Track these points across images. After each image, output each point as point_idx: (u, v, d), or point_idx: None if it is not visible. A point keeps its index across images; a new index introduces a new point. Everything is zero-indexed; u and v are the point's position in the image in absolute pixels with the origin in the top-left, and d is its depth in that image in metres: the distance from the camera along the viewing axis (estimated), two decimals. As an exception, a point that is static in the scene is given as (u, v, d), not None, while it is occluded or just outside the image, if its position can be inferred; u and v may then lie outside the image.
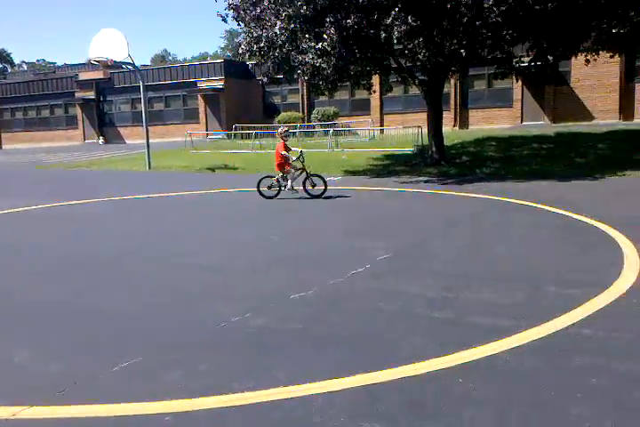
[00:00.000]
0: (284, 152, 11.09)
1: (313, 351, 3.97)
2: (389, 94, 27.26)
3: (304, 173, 11.19)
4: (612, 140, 17.32)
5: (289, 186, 11.16)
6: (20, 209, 11.28)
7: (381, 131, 25.85)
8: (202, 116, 32.82)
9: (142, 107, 19.87)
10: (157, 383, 3.54)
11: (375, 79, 18.27)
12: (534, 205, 9.27)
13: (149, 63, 66.08)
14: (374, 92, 18.11)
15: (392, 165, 16.28)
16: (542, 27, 13.05)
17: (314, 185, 11.10)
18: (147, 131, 19.61)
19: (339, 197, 11.30)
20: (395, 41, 12.53)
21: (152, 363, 3.84)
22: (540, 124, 24.35)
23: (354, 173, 15.32)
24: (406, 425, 2.96)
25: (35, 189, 15.46)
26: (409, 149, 19.14)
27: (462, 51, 13.67)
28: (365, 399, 3.25)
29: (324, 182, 11.06)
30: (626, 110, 24.06)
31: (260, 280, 5.77)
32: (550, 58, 15.13)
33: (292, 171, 11.17)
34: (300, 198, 11.18)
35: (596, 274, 5.43)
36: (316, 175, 11.26)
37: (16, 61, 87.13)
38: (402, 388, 3.37)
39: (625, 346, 3.81)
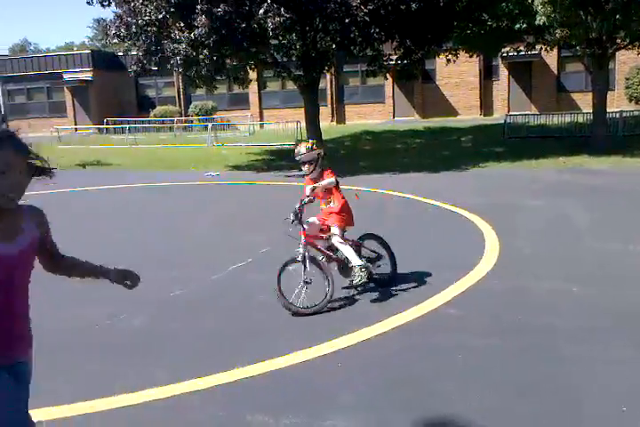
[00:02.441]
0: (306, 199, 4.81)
1: (188, 348, 3.95)
2: (268, 89, 27.41)
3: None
4: (474, 135, 18.69)
5: (356, 279, 4.77)
6: None
7: (261, 126, 25.89)
8: (69, 109, 30.84)
9: (0, 100, 18.32)
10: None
11: (253, 74, 18.24)
12: (404, 195, 9.81)
13: (7, 53, 60.83)
14: (247, 87, 18.06)
15: (273, 160, 16.40)
16: (407, 26, 13.78)
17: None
18: (7, 125, 18.13)
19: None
20: (270, 33, 12.59)
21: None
22: (411, 120, 25.66)
23: (235, 167, 15.25)
24: (286, 415, 3.05)
25: None
26: (289, 144, 19.36)
27: (334, 47, 14.08)
28: (243, 394, 3.30)
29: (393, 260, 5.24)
30: (486, 106, 26.05)
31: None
32: (416, 56, 15.98)
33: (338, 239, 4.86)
34: None
35: (460, 258, 5.88)
36: (374, 236, 5.31)
37: None
38: (277, 379, 3.46)
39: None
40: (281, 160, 16.07)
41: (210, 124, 22.51)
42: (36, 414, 3.05)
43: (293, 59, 15.55)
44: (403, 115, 26.72)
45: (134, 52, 14.96)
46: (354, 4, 12.42)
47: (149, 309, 4.72)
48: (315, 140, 5.34)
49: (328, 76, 25.69)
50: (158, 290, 5.17)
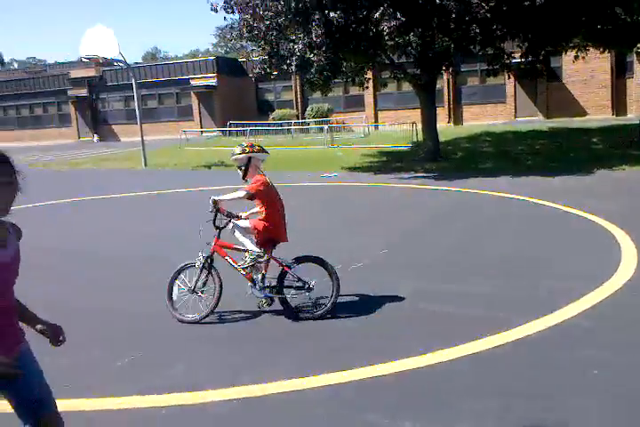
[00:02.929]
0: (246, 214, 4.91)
1: (309, 346, 4.02)
2: (383, 91, 27.33)
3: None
4: (604, 136, 17.43)
5: (241, 262, 4.72)
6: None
7: (376, 127, 25.90)
8: (195, 113, 32.74)
9: (135, 104, 19.82)
10: (156, 378, 3.58)
11: (369, 75, 18.30)
12: (530, 199, 9.35)
13: (140, 61, 65.79)
14: (367, 88, 18.14)
15: (388, 162, 16.33)
16: (531, 23, 13.12)
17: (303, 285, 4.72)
18: (141, 128, 19.58)
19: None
20: (385, 36, 12.58)
21: (153, 357, 3.88)
22: (534, 120, 24.45)
23: (350, 169, 15.37)
24: (408, 418, 3.02)
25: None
26: (404, 146, 19.21)
27: (452, 46, 13.75)
28: (366, 393, 3.30)
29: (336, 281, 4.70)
30: (618, 106, 24.20)
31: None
32: (541, 54, 15.19)
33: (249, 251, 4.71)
34: None
35: (593, 268, 5.50)
36: (313, 258, 4.83)
37: (6, 59, 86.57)
38: (402, 381, 3.43)
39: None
40: (396, 162, 15.98)
41: (325, 127, 22.88)
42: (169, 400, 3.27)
43: (410, 59, 15.39)
44: (525, 115, 25.52)
45: (255, 57, 15.57)
46: (474, 2, 12.06)
47: (270, 307, 4.87)
48: (256, 143, 5.09)
49: (445, 75, 25.16)
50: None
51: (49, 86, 37.59)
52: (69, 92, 36.39)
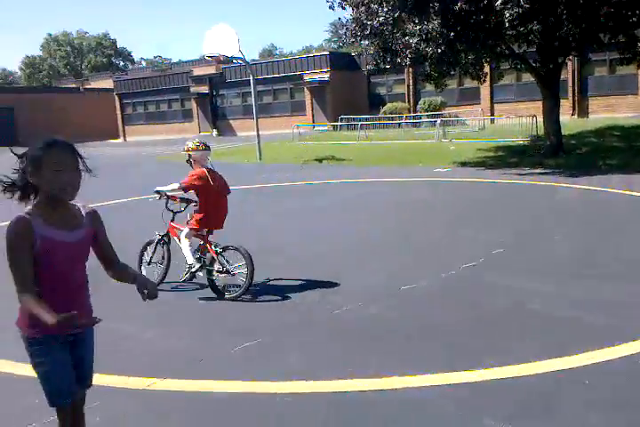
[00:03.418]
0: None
1: (422, 343, 3.95)
2: (500, 82, 26.20)
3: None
4: None
5: (182, 274, 5.34)
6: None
7: (492, 121, 24.92)
8: (308, 108, 33.34)
9: (252, 100, 20.52)
10: (274, 365, 3.68)
11: (486, 67, 17.60)
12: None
13: (257, 57, 68.15)
14: (484, 81, 17.46)
15: (504, 157, 15.66)
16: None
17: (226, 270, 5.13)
18: (257, 123, 20.26)
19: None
20: (506, 25, 12.04)
21: (270, 345, 4.00)
22: (670, 112, 22.36)
23: (463, 164, 14.92)
24: (525, 425, 2.87)
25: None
26: (522, 140, 18.32)
27: (579, 35, 12.87)
28: (481, 396, 3.19)
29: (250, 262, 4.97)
30: None
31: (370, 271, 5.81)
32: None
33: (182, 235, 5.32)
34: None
35: None
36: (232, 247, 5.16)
37: (135, 58, 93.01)
38: (521, 386, 3.27)
39: None
40: (513, 157, 15.29)
41: (438, 120, 22.37)
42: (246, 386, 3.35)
43: (532, 49, 14.62)
44: (659, 107, 23.40)
45: (370, 52, 15.53)
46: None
47: (381, 300, 4.84)
48: (197, 142, 5.36)
49: (570, 66, 23.65)
50: (388, 284, 5.29)
51: (173, 84, 39.94)
52: (192, 89, 38.45)
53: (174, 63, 58.98)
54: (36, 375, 2.26)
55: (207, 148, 5.35)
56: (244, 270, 4.91)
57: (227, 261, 5.05)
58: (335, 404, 3.18)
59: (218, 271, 5.05)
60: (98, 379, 3.50)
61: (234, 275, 5.00)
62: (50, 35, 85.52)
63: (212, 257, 5.10)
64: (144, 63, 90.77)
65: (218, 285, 5.10)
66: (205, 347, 4.04)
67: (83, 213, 2.29)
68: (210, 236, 5.27)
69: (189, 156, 5.27)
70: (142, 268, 5.42)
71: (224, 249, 5.09)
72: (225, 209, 5.33)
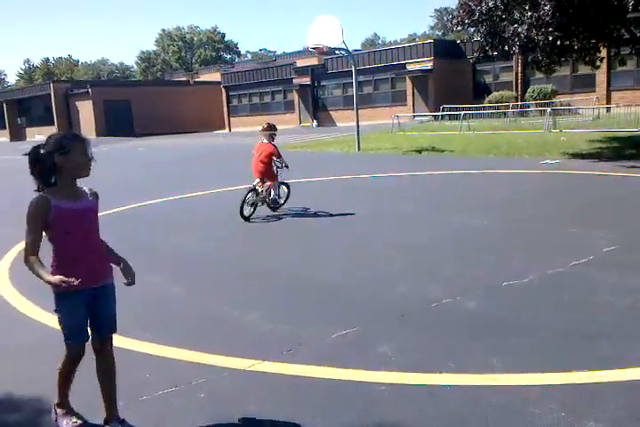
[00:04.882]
0: (280, 160, 8.55)
1: (525, 342, 3.81)
2: (619, 68, 24.40)
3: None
4: None
5: (272, 197, 8.68)
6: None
7: (608, 109, 23.30)
8: (409, 98, 32.86)
9: (353, 91, 20.54)
10: (372, 354, 3.71)
11: (603, 53, 16.43)
12: None
13: (360, 48, 67.91)
14: (598, 67, 16.29)
15: (620, 148, 14.62)
16: None
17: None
18: (357, 114, 20.27)
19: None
20: (630, 7, 11.14)
21: (367, 334, 4.03)
22: None
23: (574, 155, 14.10)
24: (639, 432, 2.70)
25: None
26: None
27: None
28: (588, 399, 3.03)
29: (289, 191, 9.06)
30: None
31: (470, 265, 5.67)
32: None
33: (278, 182, 8.76)
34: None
35: None
36: (283, 183, 9.03)
37: (241, 52, 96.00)
38: (630, 390, 3.07)
39: None
40: (630, 149, 14.24)
41: (548, 109, 21.26)
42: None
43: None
44: None
45: (477, 39, 14.98)
46: None
47: (482, 294, 4.72)
48: (264, 124, 8.77)
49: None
50: (489, 277, 5.14)
51: (276, 76, 40.83)
52: (294, 81, 39.12)
53: (278, 55, 60.28)
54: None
55: (266, 129, 8.59)
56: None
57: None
58: (430, 396, 3.16)
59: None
60: (202, 357, 3.74)
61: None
62: (163, 30, 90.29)
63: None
64: (249, 56, 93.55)
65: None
66: (305, 332, 4.13)
67: (88, 192, 2.85)
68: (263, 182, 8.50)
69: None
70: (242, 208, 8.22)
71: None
72: (258, 166, 8.45)
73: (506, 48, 13.43)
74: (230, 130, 44.42)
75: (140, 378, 3.49)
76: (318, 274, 5.64)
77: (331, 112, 37.57)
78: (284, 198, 9.03)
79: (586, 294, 4.61)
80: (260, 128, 8.66)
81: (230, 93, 44.39)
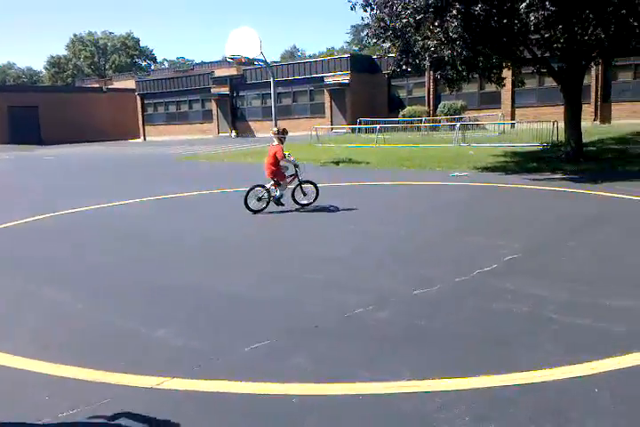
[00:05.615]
0: (283, 162, 9.43)
1: (437, 349, 3.93)
2: (522, 87, 25.97)
3: (296, 179, 9.69)
4: None
5: (278, 195, 9.50)
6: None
7: (512, 125, 24.72)
8: (327, 110, 33.39)
9: (272, 102, 20.61)
10: (285, 366, 3.69)
11: (506, 71, 17.45)
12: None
13: (279, 59, 68.34)
14: (503, 85, 17.26)
15: (523, 162, 15.52)
16: None
17: (305, 194, 9.71)
18: (275, 125, 20.33)
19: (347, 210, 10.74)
20: (531, 28, 11.90)
21: (280, 346, 4.01)
22: (696, 119, 21.98)
23: (481, 168, 14.82)
24: (536, 432, 2.84)
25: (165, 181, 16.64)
26: (542, 145, 18.16)
27: (606, 40, 12.69)
28: (490, 403, 3.16)
29: (317, 190, 9.66)
30: None
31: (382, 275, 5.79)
32: None
33: (288, 181, 9.58)
34: (293, 211, 9.88)
35: None
36: (308, 181, 9.73)
37: (158, 59, 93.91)
38: (530, 394, 3.23)
39: None
40: (532, 162, 15.13)
41: (457, 124, 22.26)
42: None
43: (555, 53, 14.47)
44: (685, 114, 23.03)
45: (391, 55, 15.47)
46: (636, -10, 11.04)
47: (394, 303, 4.83)
48: (275, 128, 9.83)
49: (593, 71, 23.38)
50: (401, 286, 5.27)
51: (195, 85, 40.28)
52: (212, 90, 38.74)
53: (196, 64, 59.48)
54: None
55: (275, 132, 9.51)
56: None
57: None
58: (345, 407, 3.18)
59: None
60: (106, 376, 3.57)
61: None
62: (75, 35, 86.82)
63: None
64: (166, 64, 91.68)
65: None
66: (216, 347, 4.05)
67: None
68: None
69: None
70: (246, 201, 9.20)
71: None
72: (267, 167, 9.35)
73: (417, 62, 13.95)
74: (145, 139, 43.26)
75: (40, 400, 3.29)
76: (230, 287, 5.56)
77: (250, 123, 37.48)
78: (311, 197, 9.70)
79: (489, 301, 4.82)
80: (272, 131, 9.63)
81: (146, 101, 43.30)
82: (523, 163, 15.39)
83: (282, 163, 9.39)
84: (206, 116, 39.84)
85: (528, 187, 11.53)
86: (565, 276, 5.44)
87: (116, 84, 53.11)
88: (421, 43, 13.14)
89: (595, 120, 24.63)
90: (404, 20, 13.21)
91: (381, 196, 11.65)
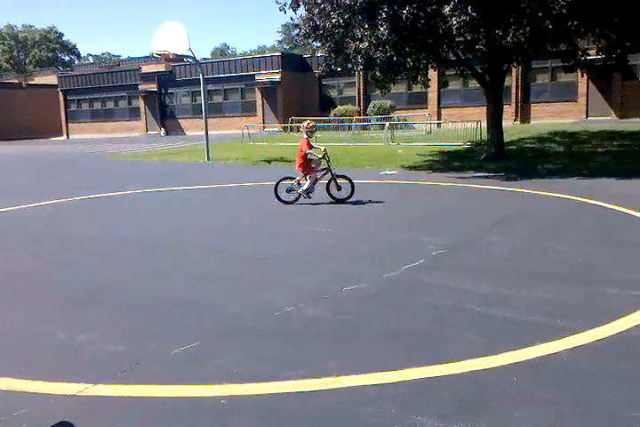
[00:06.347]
0: (309, 151, 9.74)
1: (365, 344, 3.99)
2: (448, 88, 26.83)
3: (329, 173, 9.89)
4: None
5: (305, 188, 9.80)
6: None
7: (438, 125, 25.47)
8: (259, 108, 33.21)
9: (202, 99, 20.28)
10: (213, 368, 3.65)
11: (432, 73, 17.96)
12: (598, 203, 8.95)
13: (209, 57, 67.29)
14: (429, 86, 17.76)
15: (449, 160, 16.02)
16: (610, 18, 12.52)
17: (339, 188, 9.84)
18: (206, 123, 20.02)
19: (370, 202, 11.04)
20: (454, 32, 12.31)
21: (208, 348, 3.96)
22: (606, 120, 23.39)
23: (410, 167, 15.19)
24: (456, 422, 2.94)
25: (83, 181, 16.08)
26: (467, 144, 18.81)
27: (524, 43, 13.30)
28: (416, 394, 3.25)
29: (352, 185, 9.78)
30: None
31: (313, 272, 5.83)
32: (619, 50, 14.49)
33: (316, 173, 9.90)
34: (329, 203, 9.85)
35: (662, 276, 5.22)
36: (343, 176, 9.94)
37: (82, 54, 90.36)
38: (454, 384, 3.35)
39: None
40: (457, 161, 15.65)
41: (387, 124, 22.69)
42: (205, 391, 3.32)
43: (478, 55, 15.03)
44: (597, 114, 24.47)
45: (320, 54, 15.57)
46: (550, -4, 11.62)
47: (324, 301, 4.87)
48: (305, 123, 10.06)
49: (514, 73, 24.44)
50: (331, 283, 5.33)
51: (121, 81, 39.02)
52: (140, 87, 37.68)
53: (123, 60, 57.63)
54: None
55: (305, 127, 9.95)
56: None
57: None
58: (271, 406, 3.18)
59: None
60: (23, 385, 3.42)
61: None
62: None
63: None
64: (91, 59, 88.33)
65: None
66: (142, 350, 3.95)
67: None
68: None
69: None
70: (277, 192, 9.85)
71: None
72: (297, 159, 9.87)
73: (349, 65, 14.12)
74: (69, 137, 41.54)
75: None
76: (158, 289, 5.44)
77: (180, 120, 36.73)
78: (347, 192, 9.79)
79: (416, 296, 4.96)
80: (302, 126, 10.10)
81: (69, 98, 41.56)
82: (448, 162, 15.89)
83: (309, 156, 9.70)
84: (133, 114, 38.71)
85: (453, 185, 11.91)
86: (487, 270, 5.66)
87: (38, 80, 50.63)
88: (353, 45, 13.30)
89: (515, 120, 25.76)
90: (334, 20, 13.34)
91: (313, 194, 11.68)
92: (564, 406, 3.05)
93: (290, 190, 9.86)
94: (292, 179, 9.95)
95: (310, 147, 9.81)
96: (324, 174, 9.96)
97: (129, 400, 3.27)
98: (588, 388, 3.24)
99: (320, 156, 9.78)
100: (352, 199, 9.91)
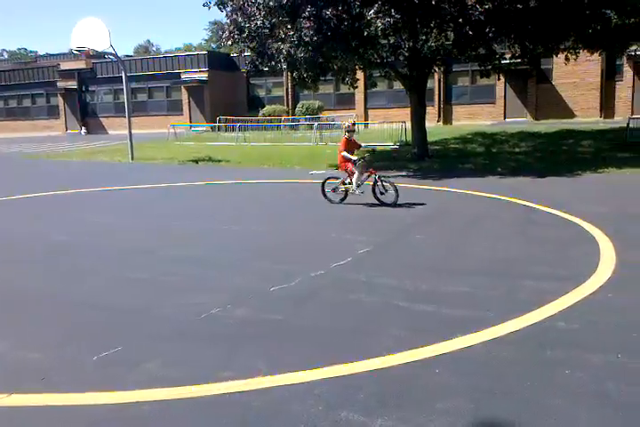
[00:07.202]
0: (344, 153, 9.49)
1: (289, 343, 4.02)
2: (374, 89, 27.31)
3: (372, 176, 9.53)
4: (592, 138, 17.57)
5: (354, 187, 9.56)
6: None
7: (365, 125, 25.89)
8: (185, 107, 32.58)
9: (125, 97, 19.67)
10: (137, 373, 3.56)
11: (359, 74, 18.25)
12: (514, 200, 9.40)
13: (132, 54, 65.19)
14: (356, 87, 18.07)
15: (376, 160, 16.28)
16: (524, 25, 13.17)
17: (383, 192, 9.41)
18: (129, 122, 19.43)
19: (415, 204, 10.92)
20: (379, 33, 12.54)
21: (132, 353, 3.86)
22: (523, 121, 24.58)
23: (338, 167, 15.33)
24: (380, 416, 3.02)
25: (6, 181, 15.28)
26: (392, 145, 19.23)
27: (446, 47, 13.76)
28: (342, 390, 3.30)
29: (396, 190, 9.16)
30: (606, 109, 24.38)
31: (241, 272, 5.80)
32: (532, 55, 15.27)
33: (357, 172, 9.48)
34: (366, 204, 9.51)
35: (571, 269, 5.54)
36: (387, 181, 9.44)
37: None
38: (378, 379, 3.43)
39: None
40: (383, 161, 15.96)
41: (315, 124, 22.84)
42: (132, 396, 3.25)
43: (401, 58, 15.40)
44: (514, 116, 25.67)
45: (247, 54, 15.48)
46: (469, 4, 12.08)
47: (252, 301, 4.86)
48: (347, 123, 10.06)
49: (436, 75, 25.21)
50: (260, 283, 5.32)
51: (38, 78, 37.23)
52: (58, 84, 36.08)
53: (40, 56, 54.92)
54: None
55: (345, 126, 9.90)
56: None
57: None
58: (208, 407, 3.14)
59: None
60: None
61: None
62: None
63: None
64: (6, 55, 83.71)
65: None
66: (62, 357, 3.80)
67: None
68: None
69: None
70: (324, 191, 9.90)
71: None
72: (338, 158, 9.81)
73: (273, 64, 14.11)
74: (-19, 136, 39.13)
75: None
76: (80, 293, 5.25)
77: (101, 119, 35.46)
78: (391, 196, 9.23)
79: (343, 293, 5.03)
80: (343, 126, 10.40)
81: (-20, 95, 39.19)
82: (375, 162, 16.15)
83: (345, 156, 9.53)
84: (52, 112, 37.01)
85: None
86: (412, 266, 5.83)
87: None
88: (275, 45, 13.30)
89: (438, 121, 26.59)
90: (259, 22, 13.29)
91: (242, 194, 11.62)
92: (484, 395, 3.20)
93: (335, 189, 9.80)
94: (337, 178, 9.92)
95: (350, 146, 9.56)
96: (367, 177, 9.62)
97: (45, 409, 3.14)
98: (505, 376, 3.41)
99: (355, 158, 9.46)
100: (281, 200, 9.91)
